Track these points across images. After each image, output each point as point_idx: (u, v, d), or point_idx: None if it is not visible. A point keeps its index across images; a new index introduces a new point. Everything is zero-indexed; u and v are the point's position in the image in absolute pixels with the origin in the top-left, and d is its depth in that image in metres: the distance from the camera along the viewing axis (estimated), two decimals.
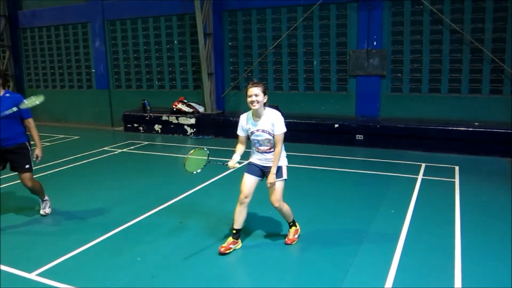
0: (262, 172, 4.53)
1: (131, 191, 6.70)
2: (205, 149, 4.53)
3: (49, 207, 5.78)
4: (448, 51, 9.59)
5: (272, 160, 4.39)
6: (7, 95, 5.19)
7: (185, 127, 11.59)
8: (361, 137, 9.64)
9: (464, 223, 5.12)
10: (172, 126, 11.82)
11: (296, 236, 4.77)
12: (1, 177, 6.12)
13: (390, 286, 3.76)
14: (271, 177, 4.35)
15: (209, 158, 4.43)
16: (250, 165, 4.56)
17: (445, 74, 9.71)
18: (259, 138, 4.41)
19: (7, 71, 14.85)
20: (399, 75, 10.14)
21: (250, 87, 4.30)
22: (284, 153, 4.52)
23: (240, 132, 4.55)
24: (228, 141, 10.30)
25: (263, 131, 4.36)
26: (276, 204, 4.48)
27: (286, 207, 4.62)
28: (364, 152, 9.15)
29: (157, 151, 10.03)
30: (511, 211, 5.45)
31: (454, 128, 8.89)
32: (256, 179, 4.52)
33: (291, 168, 7.60)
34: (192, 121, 11.50)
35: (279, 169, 4.41)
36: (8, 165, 5.42)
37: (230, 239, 4.59)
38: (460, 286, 3.74)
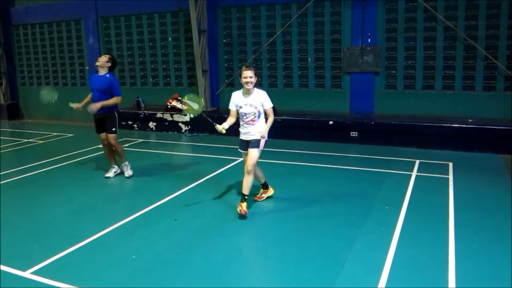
0: (246, 145, 5.44)
1: (126, 188, 6.68)
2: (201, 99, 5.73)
3: (130, 168, 7.16)
4: (442, 48, 9.63)
5: (252, 134, 5.37)
6: (107, 75, 6.69)
7: (180, 124, 11.57)
8: (355, 133, 9.66)
9: (458, 219, 5.15)
10: (166, 123, 11.79)
11: (264, 195, 5.82)
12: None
13: (385, 282, 3.78)
14: (258, 136, 5.34)
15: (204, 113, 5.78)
16: (240, 142, 5.55)
17: (439, 71, 9.75)
18: (246, 112, 5.35)
19: None
20: (393, 72, 10.17)
21: (244, 70, 5.29)
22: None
23: (231, 107, 5.52)
24: (223, 138, 10.16)
25: (251, 105, 5.31)
26: (249, 168, 5.28)
27: (257, 173, 5.57)
28: (359, 148, 9.18)
29: (152, 148, 9.99)
30: None
31: (448, 125, 8.92)
32: (246, 152, 5.49)
33: (285, 164, 7.66)
34: (187, 118, 11.48)
35: (258, 140, 5.30)
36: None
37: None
38: (454, 282, 3.77)
